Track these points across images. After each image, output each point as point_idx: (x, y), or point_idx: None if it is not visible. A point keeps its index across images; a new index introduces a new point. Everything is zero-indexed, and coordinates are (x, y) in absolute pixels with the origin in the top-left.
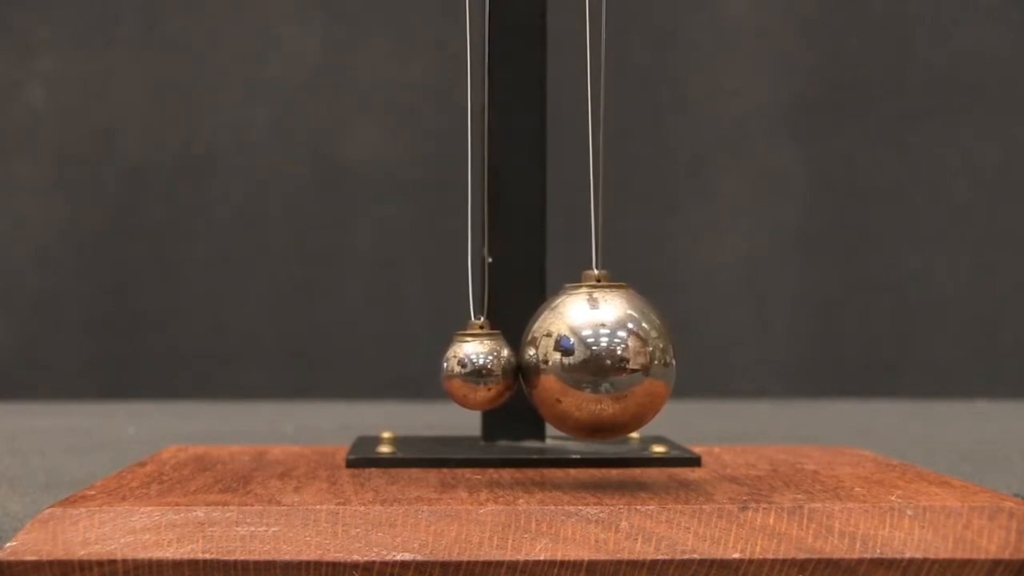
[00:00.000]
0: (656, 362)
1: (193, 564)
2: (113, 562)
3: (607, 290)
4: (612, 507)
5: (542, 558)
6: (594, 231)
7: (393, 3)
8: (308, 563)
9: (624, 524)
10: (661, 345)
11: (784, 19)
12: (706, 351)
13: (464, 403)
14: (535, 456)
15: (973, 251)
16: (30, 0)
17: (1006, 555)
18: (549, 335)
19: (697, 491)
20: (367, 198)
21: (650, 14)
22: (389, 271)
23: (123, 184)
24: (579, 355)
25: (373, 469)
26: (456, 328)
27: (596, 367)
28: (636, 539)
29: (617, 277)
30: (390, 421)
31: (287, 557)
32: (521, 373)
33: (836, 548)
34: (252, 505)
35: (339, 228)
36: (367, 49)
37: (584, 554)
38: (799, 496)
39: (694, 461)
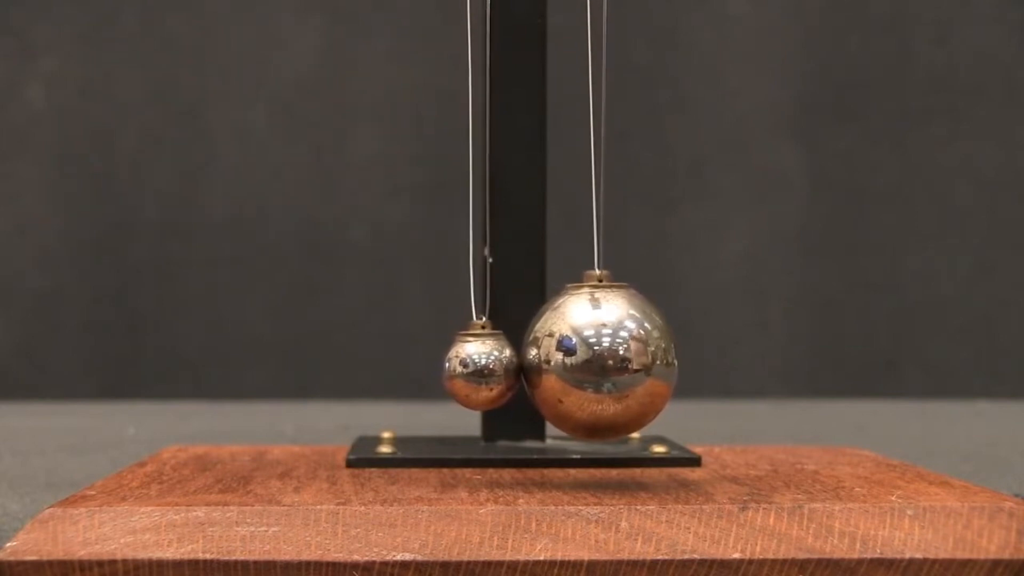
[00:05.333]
0: (658, 362)
1: (193, 564)
2: (113, 562)
3: (609, 290)
4: (612, 507)
5: (542, 558)
6: (595, 231)
7: (393, 3)
8: (308, 563)
9: (624, 524)
10: (663, 345)
11: (784, 19)
12: (706, 351)
13: (466, 403)
14: (535, 456)
15: (973, 251)
16: (30, 0)
17: (1006, 555)
18: (551, 335)
19: (697, 491)
20: (367, 198)
21: (650, 14)
22: (389, 271)
23: (123, 184)
24: (581, 355)
25: (373, 469)
26: (457, 328)
27: (598, 367)
28: (636, 539)
29: (616, 277)
30: (390, 421)
31: (287, 557)
32: (523, 373)
33: (836, 548)
34: (252, 505)
35: (339, 228)
36: (367, 49)
37: (584, 554)
38: (799, 496)
39: (694, 461)
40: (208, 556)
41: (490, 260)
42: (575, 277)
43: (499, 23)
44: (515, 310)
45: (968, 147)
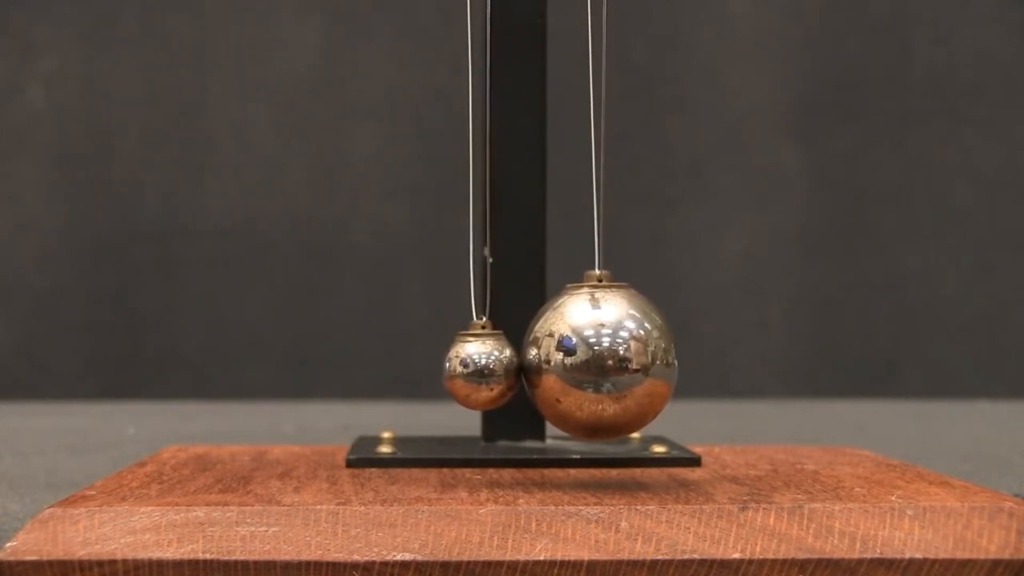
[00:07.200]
0: (658, 362)
1: (193, 564)
2: (113, 562)
3: (609, 290)
4: (612, 507)
5: (542, 558)
6: (596, 231)
7: (393, 3)
8: (308, 563)
9: (624, 524)
10: (663, 345)
11: (784, 19)
12: (706, 351)
13: (466, 403)
14: (535, 456)
15: (973, 251)
16: (30, 0)
17: (1006, 555)
18: (551, 335)
19: (697, 491)
20: (367, 198)
21: (650, 14)
22: (389, 271)
23: (123, 184)
24: (581, 355)
25: (373, 469)
26: (457, 328)
27: (598, 367)
28: (636, 539)
29: (617, 277)
30: (390, 421)
31: (287, 557)
32: (523, 373)
33: (836, 548)
34: (252, 505)
35: (339, 228)
36: (367, 49)
37: (584, 554)
38: (799, 496)
39: (694, 461)
40: (208, 556)
41: (490, 260)
42: (575, 277)
43: (499, 23)
44: (516, 310)
45: (968, 147)
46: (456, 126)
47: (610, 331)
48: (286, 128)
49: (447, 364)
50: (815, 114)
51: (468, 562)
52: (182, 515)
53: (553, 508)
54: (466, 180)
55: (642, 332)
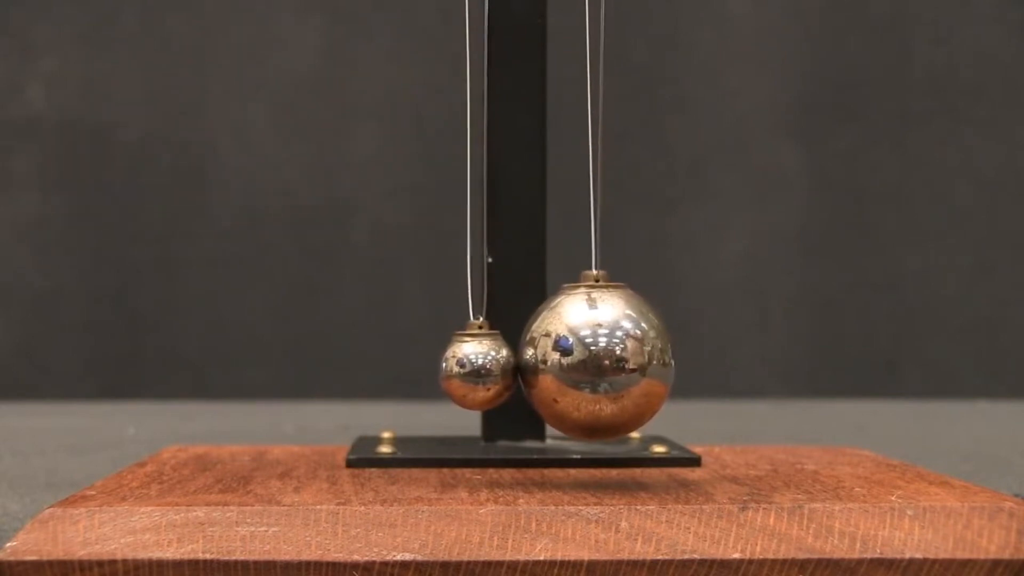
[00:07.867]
0: (654, 362)
1: (193, 564)
2: (113, 562)
3: (605, 290)
4: (612, 507)
5: (542, 558)
6: (593, 231)
7: (393, 3)
8: (308, 563)
9: (624, 524)
10: (659, 345)
11: (784, 19)
12: (706, 351)
13: (463, 403)
14: (535, 456)
15: (973, 251)
16: (30, 0)
17: (1006, 555)
18: (547, 335)
19: (697, 491)
20: (367, 198)
21: (650, 14)
22: (389, 271)
23: (123, 184)
24: (577, 355)
25: (373, 469)
26: (456, 328)
27: (594, 367)
28: (636, 539)
29: (617, 277)
30: (390, 421)
31: (287, 557)
32: (520, 373)
33: (836, 548)
34: (252, 505)
35: (339, 228)
36: (367, 49)
37: (584, 554)
38: (799, 496)
39: (694, 461)
40: (208, 556)
41: (489, 260)
42: (575, 277)
43: (499, 23)
44: (515, 310)
45: (968, 147)
46: (456, 126)
47: (607, 331)
48: (286, 128)
49: (443, 364)
50: (815, 114)
51: (468, 562)
52: (182, 515)
53: (553, 508)
54: (466, 180)
55: (639, 332)
